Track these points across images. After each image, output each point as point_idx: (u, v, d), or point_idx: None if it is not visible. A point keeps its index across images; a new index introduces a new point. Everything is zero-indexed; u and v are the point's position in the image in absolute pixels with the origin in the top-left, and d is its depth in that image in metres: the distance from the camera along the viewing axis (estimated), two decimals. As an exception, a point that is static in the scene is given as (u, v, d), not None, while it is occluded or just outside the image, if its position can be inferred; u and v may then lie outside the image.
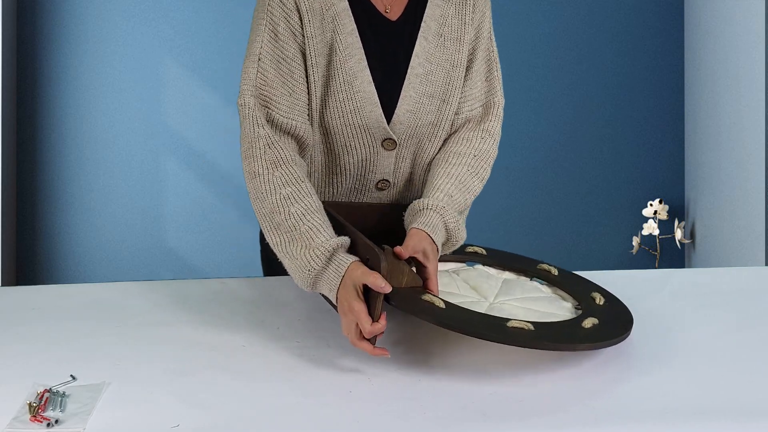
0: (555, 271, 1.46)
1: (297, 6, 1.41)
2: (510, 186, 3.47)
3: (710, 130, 3.23)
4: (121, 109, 3.40)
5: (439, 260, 1.38)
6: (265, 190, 1.36)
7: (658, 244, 3.42)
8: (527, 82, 3.47)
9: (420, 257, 1.30)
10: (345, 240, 1.30)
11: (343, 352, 1.24)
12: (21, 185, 3.37)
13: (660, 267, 3.45)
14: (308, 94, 1.44)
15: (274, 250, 1.35)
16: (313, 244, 1.28)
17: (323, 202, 1.40)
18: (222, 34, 3.38)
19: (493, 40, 1.55)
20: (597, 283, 1.44)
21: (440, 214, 1.37)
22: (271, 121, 1.40)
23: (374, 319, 1.20)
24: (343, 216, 1.39)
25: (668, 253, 3.49)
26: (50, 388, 1.12)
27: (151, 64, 3.40)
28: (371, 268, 1.23)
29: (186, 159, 3.42)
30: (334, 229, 1.32)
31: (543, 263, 1.49)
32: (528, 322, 1.20)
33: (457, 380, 1.16)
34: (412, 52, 1.45)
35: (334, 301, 1.27)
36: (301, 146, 1.45)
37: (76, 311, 1.42)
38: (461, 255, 1.52)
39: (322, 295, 1.35)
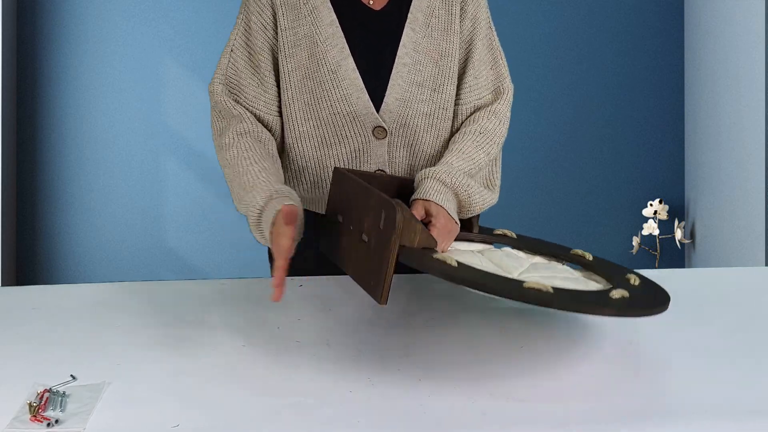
0: (590, 257, 1.40)
1: (271, 1, 1.48)
2: (510, 186, 3.47)
3: (710, 130, 3.23)
4: (121, 109, 3.40)
5: (465, 239, 1.37)
6: (232, 154, 1.45)
7: (658, 244, 3.42)
8: (527, 82, 3.47)
9: (426, 216, 1.34)
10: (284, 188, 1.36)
11: (343, 352, 1.24)
12: (21, 185, 3.37)
13: (660, 267, 3.45)
14: (278, 87, 1.51)
15: (235, 201, 1.44)
16: (258, 188, 1.37)
17: (343, 170, 1.41)
18: (222, 34, 3.38)
19: (493, 29, 1.57)
20: None
21: (438, 180, 1.39)
22: (235, 104, 1.49)
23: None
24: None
25: (668, 253, 3.49)
26: (50, 388, 1.12)
27: (151, 64, 3.40)
28: (386, 222, 1.19)
29: (186, 159, 3.42)
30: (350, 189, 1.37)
31: (577, 249, 1.43)
32: (548, 286, 1.11)
33: (457, 380, 1.16)
34: (398, 42, 1.47)
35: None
36: (269, 130, 1.53)
37: (76, 311, 1.42)
38: (489, 236, 1.47)
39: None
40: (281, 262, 1.24)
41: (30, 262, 3.39)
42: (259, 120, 1.51)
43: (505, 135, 1.56)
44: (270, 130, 1.52)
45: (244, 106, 1.50)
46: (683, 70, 3.50)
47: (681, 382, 1.16)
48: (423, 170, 1.42)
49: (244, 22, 1.51)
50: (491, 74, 1.57)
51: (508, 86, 1.59)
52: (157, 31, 3.40)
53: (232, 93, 1.50)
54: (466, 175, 1.44)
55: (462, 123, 1.55)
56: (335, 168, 1.36)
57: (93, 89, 3.39)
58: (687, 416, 1.07)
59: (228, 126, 1.49)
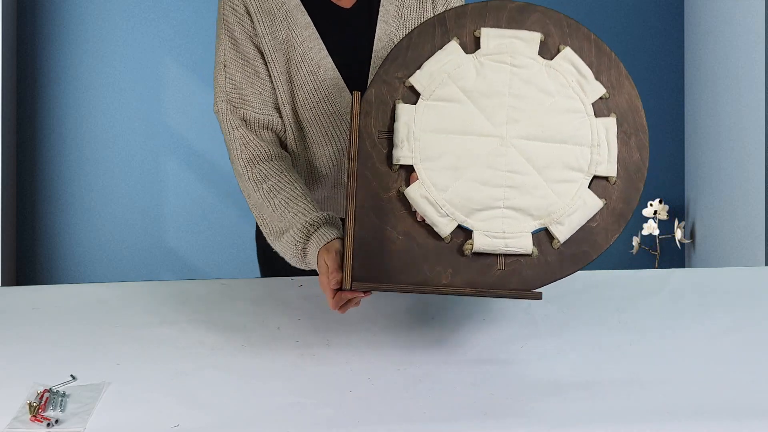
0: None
1: (246, 9, 1.47)
2: (510, 186, 3.47)
3: (710, 130, 3.23)
4: (121, 109, 3.40)
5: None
6: (249, 188, 1.41)
7: (658, 244, 3.42)
8: (527, 82, 3.47)
9: None
10: (328, 215, 1.33)
11: (343, 352, 1.25)
12: (21, 185, 3.37)
13: (660, 267, 3.45)
14: (275, 88, 1.49)
15: (271, 244, 1.39)
16: (297, 225, 1.33)
17: None
18: (222, 34, 3.38)
19: None
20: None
21: None
22: (246, 121, 1.46)
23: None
24: None
25: (668, 253, 3.49)
26: (50, 388, 1.12)
27: (151, 64, 3.40)
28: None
29: (186, 159, 3.42)
30: None
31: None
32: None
33: (457, 380, 1.16)
34: (373, 37, 1.47)
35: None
36: (282, 140, 1.50)
37: (76, 311, 1.42)
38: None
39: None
40: (332, 297, 1.24)
41: (30, 262, 3.39)
42: (271, 125, 1.47)
43: None
44: (282, 134, 1.50)
45: (254, 117, 1.46)
46: (683, 70, 3.49)
47: (681, 382, 1.16)
48: None
49: (228, 36, 1.50)
50: None
51: None
52: (157, 31, 3.40)
53: (237, 109, 1.46)
54: None
55: None
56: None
57: (93, 89, 3.39)
58: (687, 416, 1.07)
59: (238, 153, 1.44)
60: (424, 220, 1.22)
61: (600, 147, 1.25)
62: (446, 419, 1.06)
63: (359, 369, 1.20)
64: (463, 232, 1.22)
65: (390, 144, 1.24)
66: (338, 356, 1.24)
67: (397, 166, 1.23)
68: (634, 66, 3.49)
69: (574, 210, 1.23)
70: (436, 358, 1.23)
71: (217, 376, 1.18)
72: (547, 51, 1.26)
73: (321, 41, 1.46)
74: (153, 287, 1.53)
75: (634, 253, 3.45)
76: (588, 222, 1.24)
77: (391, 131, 1.24)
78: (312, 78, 1.46)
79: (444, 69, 1.24)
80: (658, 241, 3.42)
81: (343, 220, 1.32)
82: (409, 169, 1.24)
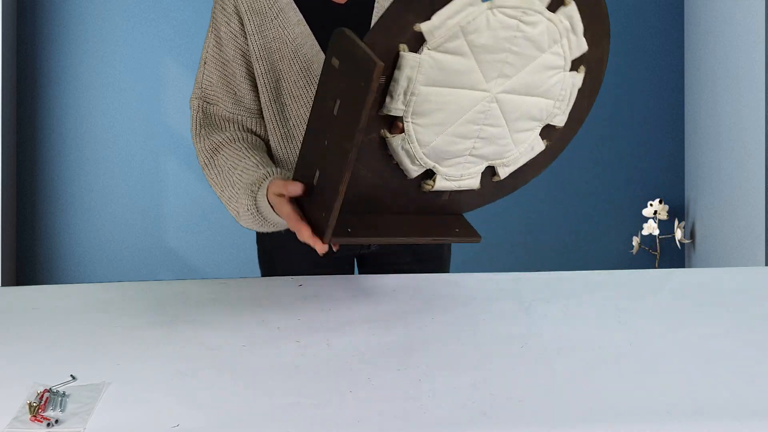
0: None
1: (236, 8, 1.48)
2: (510, 186, 3.47)
3: (710, 130, 3.23)
4: (121, 109, 3.40)
5: None
6: (213, 174, 1.47)
7: (658, 244, 3.42)
8: (527, 82, 3.47)
9: None
10: (270, 170, 1.39)
11: (343, 352, 1.25)
12: (21, 185, 3.37)
13: (660, 267, 3.45)
14: (257, 91, 1.52)
15: (235, 217, 1.45)
16: (242, 185, 1.40)
17: None
18: (222, 34, 3.39)
19: None
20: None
21: None
22: (214, 115, 1.51)
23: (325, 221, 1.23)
24: None
25: (668, 253, 3.49)
26: (50, 388, 1.12)
27: (151, 64, 3.40)
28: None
29: (186, 159, 3.42)
30: None
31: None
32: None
33: (457, 380, 1.16)
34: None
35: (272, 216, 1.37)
36: (264, 139, 1.55)
37: (76, 311, 1.42)
38: None
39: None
40: (302, 230, 1.27)
41: (30, 262, 3.39)
42: (241, 123, 1.53)
43: None
44: (254, 132, 1.55)
45: (224, 114, 1.52)
46: (683, 70, 3.50)
47: (681, 382, 1.16)
48: None
49: (214, 34, 1.52)
50: None
51: None
52: (157, 31, 3.40)
53: (210, 105, 1.52)
54: None
55: None
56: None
57: (93, 89, 3.39)
58: (687, 416, 1.07)
59: (201, 144, 1.51)
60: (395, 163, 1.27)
61: (563, 101, 1.27)
62: (446, 419, 1.06)
63: (359, 369, 1.20)
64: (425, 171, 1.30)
65: (383, 90, 1.18)
66: (338, 356, 1.24)
67: (384, 113, 1.20)
68: (634, 66, 3.50)
69: (522, 154, 1.31)
70: (436, 358, 1.23)
71: (217, 376, 1.18)
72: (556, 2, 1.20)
73: (314, 37, 1.46)
74: (153, 287, 1.53)
75: (634, 253, 3.45)
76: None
77: (389, 78, 1.17)
78: (305, 74, 1.47)
79: (458, 21, 1.15)
80: (658, 241, 3.42)
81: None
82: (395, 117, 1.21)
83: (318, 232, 1.26)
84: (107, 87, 3.39)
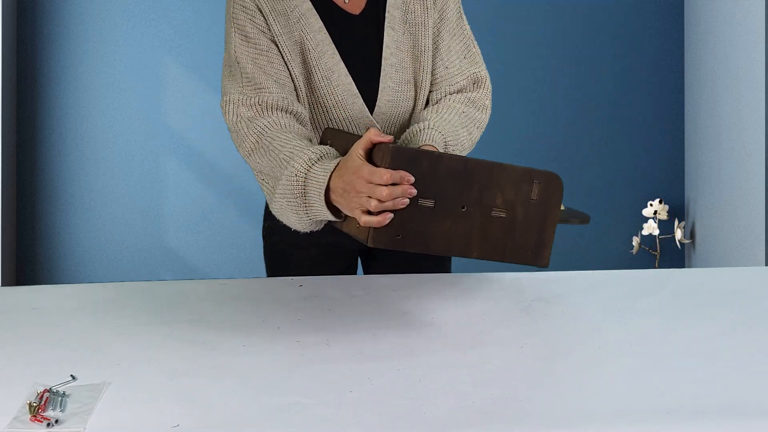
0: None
1: (258, 7, 1.45)
2: (510, 186, 3.47)
3: (710, 130, 3.23)
4: (121, 109, 3.40)
5: None
6: (258, 161, 1.39)
7: (658, 244, 3.42)
8: (527, 82, 3.47)
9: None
10: (325, 148, 1.33)
11: (343, 352, 1.24)
12: (21, 185, 3.37)
13: (660, 267, 3.45)
14: (293, 81, 1.46)
15: (275, 205, 1.36)
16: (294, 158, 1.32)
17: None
18: (222, 34, 3.38)
19: (464, 19, 1.57)
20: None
21: (412, 133, 1.42)
22: (261, 106, 1.42)
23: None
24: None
25: (668, 253, 3.49)
26: (50, 388, 1.12)
27: (151, 64, 3.40)
28: (545, 191, 1.40)
29: (186, 159, 3.42)
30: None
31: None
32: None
33: (457, 380, 1.16)
34: (382, 43, 1.47)
35: (324, 199, 1.29)
36: (300, 121, 1.46)
37: (76, 311, 1.42)
38: None
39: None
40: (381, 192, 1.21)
41: (30, 262, 3.39)
42: (288, 108, 1.43)
43: (486, 123, 1.56)
44: (300, 117, 1.46)
45: (270, 100, 1.42)
46: (683, 70, 3.50)
47: (681, 382, 1.16)
48: (421, 123, 1.43)
49: (238, 33, 1.45)
50: (464, 63, 1.55)
51: (485, 75, 1.56)
52: (157, 31, 3.40)
53: (251, 98, 1.42)
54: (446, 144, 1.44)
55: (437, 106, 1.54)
56: (392, 149, 1.25)
57: (93, 89, 3.39)
58: (687, 416, 1.07)
59: (245, 131, 1.41)
60: None
61: None
62: (446, 419, 1.06)
63: (359, 369, 1.20)
64: None
65: None
66: (338, 356, 1.24)
67: None
68: (634, 66, 3.50)
69: None
70: (436, 359, 1.23)
71: (217, 376, 1.18)
72: None
73: (334, 46, 1.46)
74: (153, 287, 1.53)
75: (634, 253, 3.45)
76: None
77: None
78: (326, 83, 1.45)
79: None
80: (658, 241, 3.42)
81: None
82: None
83: (363, 232, 1.26)
84: (107, 87, 3.39)
